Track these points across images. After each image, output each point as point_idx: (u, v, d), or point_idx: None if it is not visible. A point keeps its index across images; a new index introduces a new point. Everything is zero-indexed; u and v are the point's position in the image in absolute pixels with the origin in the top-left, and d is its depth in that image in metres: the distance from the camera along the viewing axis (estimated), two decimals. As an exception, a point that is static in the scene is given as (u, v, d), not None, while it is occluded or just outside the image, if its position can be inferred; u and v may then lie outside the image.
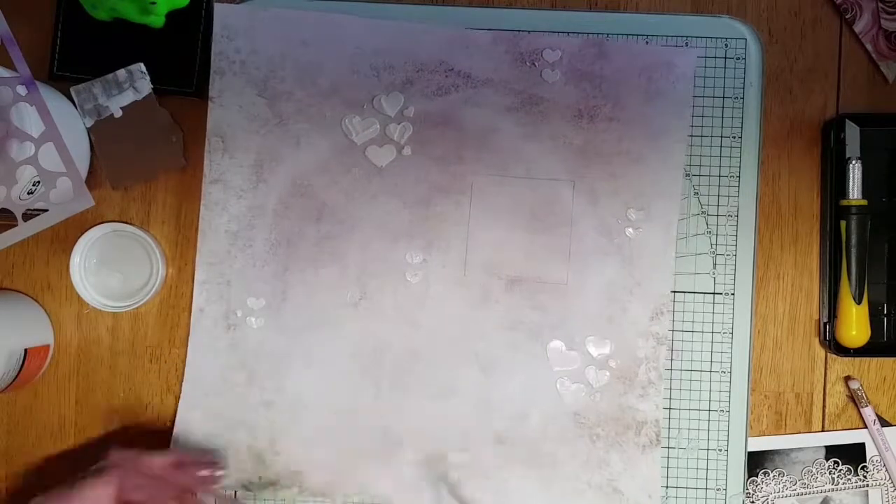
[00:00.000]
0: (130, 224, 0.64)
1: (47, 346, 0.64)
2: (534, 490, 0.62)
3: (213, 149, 0.63)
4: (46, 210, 0.54)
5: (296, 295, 0.63)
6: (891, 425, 0.64)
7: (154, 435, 0.65)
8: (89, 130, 0.63)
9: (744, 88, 0.63)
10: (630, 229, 0.63)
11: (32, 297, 0.65)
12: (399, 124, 0.63)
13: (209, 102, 0.63)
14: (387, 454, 0.63)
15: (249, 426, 0.63)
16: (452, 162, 0.63)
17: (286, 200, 0.63)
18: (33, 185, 0.56)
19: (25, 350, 0.61)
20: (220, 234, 0.63)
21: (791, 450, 0.65)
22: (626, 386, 0.62)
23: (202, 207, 0.63)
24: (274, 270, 0.63)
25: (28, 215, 0.54)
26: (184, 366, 0.64)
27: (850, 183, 0.62)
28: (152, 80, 0.63)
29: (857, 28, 0.64)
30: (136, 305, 0.63)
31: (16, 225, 0.53)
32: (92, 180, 0.65)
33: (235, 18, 0.63)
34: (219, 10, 0.63)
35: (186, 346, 0.64)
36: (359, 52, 0.63)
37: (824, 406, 0.65)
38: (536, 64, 0.63)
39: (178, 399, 0.64)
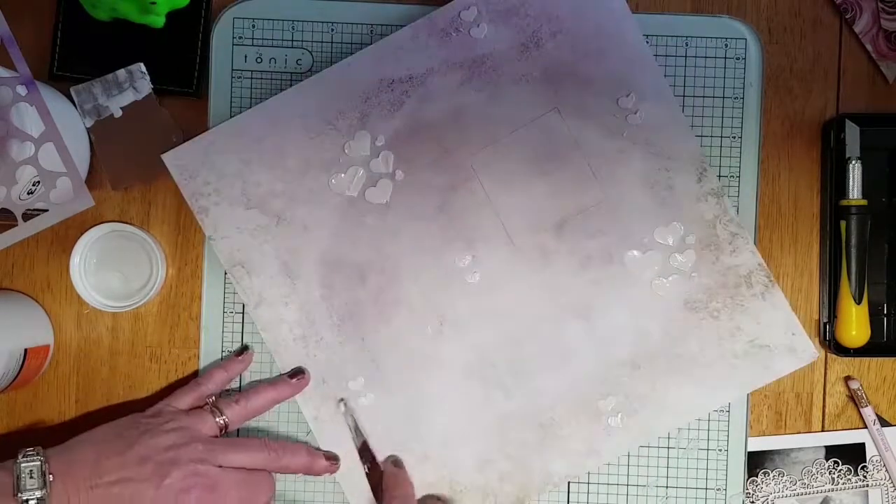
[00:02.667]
0: (130, 224, 0.64)
1: (47, 347, 0.64)
2: (692, 391, 0.62)
3: (238, 279, 0.62)
4: (46, 210, 0.54)
5: (386, 356, 0.63)
6: (891, 425, 0.64)
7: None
8: (89, 130, 0.63)
9: (744, 88, 0.63)
10: (631, 115, 0.62)
11: (32, 297, 0.65)
12: (378, 157, 0.62)
13: (210, 242, 0.62)
14: (550, 439, 0.62)
15: (425, 485, 0.63)
16: (443, 159, 0.62)
17: (326, 282, 0.62)
18: (33, 185, 0.56)
19: (25, 350, 0.61)
20: (289, 345, 0.63)
21: (791, 450, 0.65)
22: (714, 252, 0.62)
23: (262, 333, 0.62)
24: (354, 346, 0.63)
25: (28, 215, 0.54)
26: (183, 366, 0.65)
27: (850, 183, 0.62)
28: (152, 80, 0.63)
29: (857, 28, 0.64)
30: (136, 305, 0.63)
31: (16, 225, 0.53)
32: (92, 180, 0.65)
33: (187, 158, 0.62)
34: (168, 158, 0.62)
35: (186, 346, 0.65)
36: (306, 118, 0.62)
37: (824, 406, 0.65)
38: (461, 29, 0.62)
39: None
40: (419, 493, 0.63)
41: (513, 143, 0.62)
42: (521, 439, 0.62)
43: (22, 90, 0.53)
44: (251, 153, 0.62)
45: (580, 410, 0.62)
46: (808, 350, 0.62)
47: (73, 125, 0.62)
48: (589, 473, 0.64)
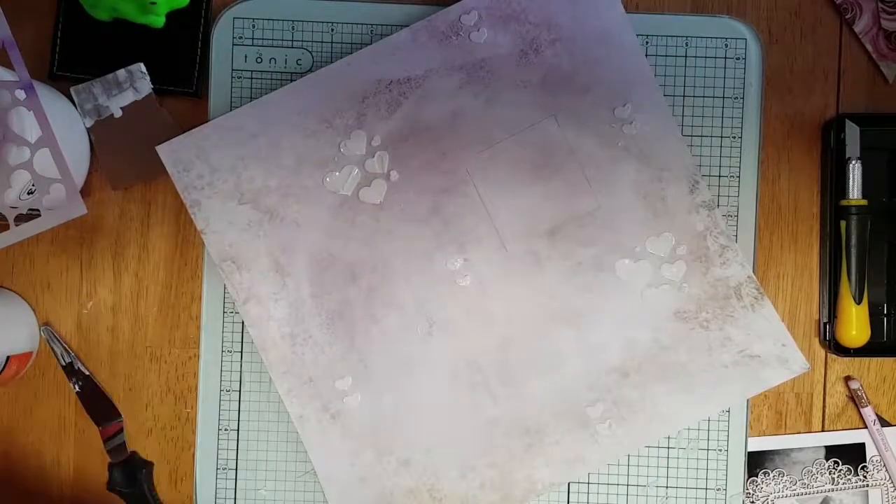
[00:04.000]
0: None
1: (30, 354, 0.64)
2: (682, 400, 0.62)
3: (228, 274, 0.62)
4: (39, 214, 0.54)
5: (374, 356, 0.62)
6: (891, 425, 0.64)
7: (153, 436, 0.65)
8: (89, 130, 0.63)
9: (744, 88, 0.63)
10: (627, 126, 0.62)
11: (24, 299, 0.65)
12: (374, 157, 0.62)
13: (202, 236, 0.62)
14: (536, 446, 0.62)
15: (404, 491, 0.62)
16: (439, 162, 0.62)
17: (317, 280, 0.62)
18: (33, 185, 0.56)
19: (7, 357, 0.61)
20: (278, 343, 0.62)
21: (791, 450, 0.65)
22: (704, 263, 0.62)
23: (250, 329, 0.62)
24: (343, 346, 0.62)
25: (28, 216, 0.54)
26: (183, 366, 0.65)
27: (850, 183, 0.62)
28: (152, 80, 0.63)
29: (857, 28, 0.64)
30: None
31: (7, 229, 0.53)
32: (92, 180, 0.65)
33: (182, 151, 0.61)
34: (163, 150, 0.61)
35: (186, 346, 0.65)
36: (302, 116, 0.62)
37: (824, 406, 0.65)
38: (461, 33, 0.62)
39: (177, 398, 0.65)
40: (397, 498, 0.62)
41: (509, 149, 0.62)
42: (507, 446, 0.62)
43: (20, 94, 0.53)
44: (246, 148, 0.62)
45: (568, 417, 0.62)
46: (799, 361, 0.62)
47: (73, 125, 0.62)
48: (589, 474, 0.64)
